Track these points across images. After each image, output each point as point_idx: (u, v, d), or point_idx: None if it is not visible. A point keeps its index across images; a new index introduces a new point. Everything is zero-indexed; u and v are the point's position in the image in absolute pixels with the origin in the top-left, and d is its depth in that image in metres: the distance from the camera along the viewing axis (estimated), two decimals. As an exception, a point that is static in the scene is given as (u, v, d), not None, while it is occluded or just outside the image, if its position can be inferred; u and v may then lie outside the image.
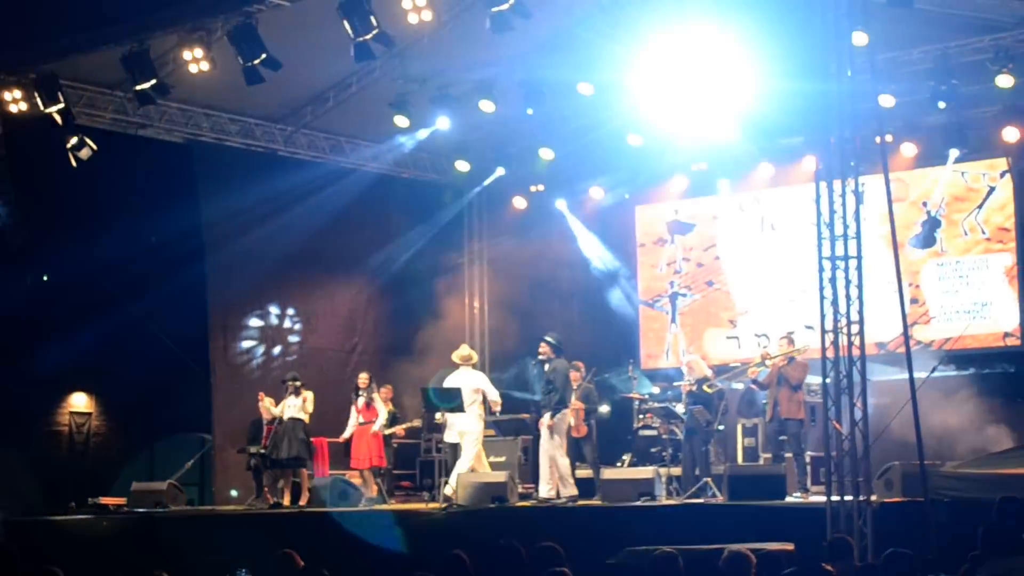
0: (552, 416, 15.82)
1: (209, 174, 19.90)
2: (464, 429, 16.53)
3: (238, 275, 20.05)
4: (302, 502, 17.38)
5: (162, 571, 7.49)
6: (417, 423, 18.90)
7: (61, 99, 16.89)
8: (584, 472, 16.99)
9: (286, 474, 17.69)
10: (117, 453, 19.88)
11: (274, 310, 20.90)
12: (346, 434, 18.00)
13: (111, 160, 17.74)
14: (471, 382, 16.75)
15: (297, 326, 21.22)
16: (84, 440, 20.25)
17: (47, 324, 18.88)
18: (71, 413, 20.32)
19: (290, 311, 21.14)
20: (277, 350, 20.77)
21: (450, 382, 16.75)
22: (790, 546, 10.45)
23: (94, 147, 17.18)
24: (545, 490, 15.99)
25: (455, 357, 17.04)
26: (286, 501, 17.48)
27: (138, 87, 16.74)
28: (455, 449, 16.95)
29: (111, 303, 19.05)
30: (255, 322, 20.65)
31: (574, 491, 15.89)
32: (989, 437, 16.76)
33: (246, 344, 20.48)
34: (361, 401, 17.90)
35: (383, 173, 21.89)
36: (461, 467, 16.28)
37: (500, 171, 22.13)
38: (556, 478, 15.97)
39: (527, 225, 22.76)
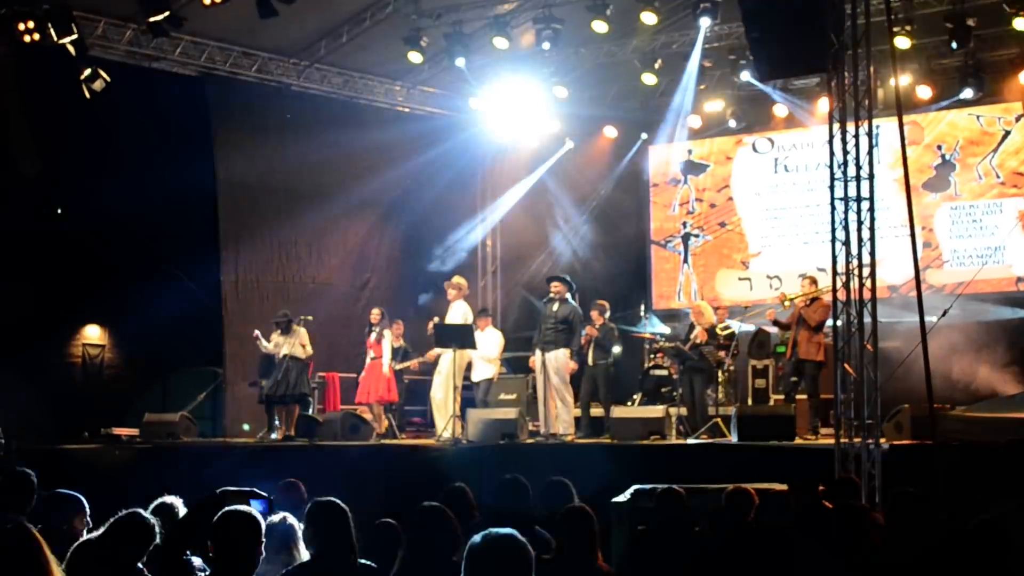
0: (572, 356, 15.86)
1: (222, 108, 19.86)
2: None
3: (250, 210, 20.06)
4: (277, 436, 17.45)
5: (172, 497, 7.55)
6: (430, 358, 18.87)
7: (74, 30, 16.82)
8: (597, 411, 17.06)
9: (285, 408, 17.76)
10: (130, 385, 19.95)
11: (286, 246, 20.85)
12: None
13: (125, 92, 17.69)
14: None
15: (309, 262, 21.16)
16: (97, 371, 20.33)
17: (61, 256, 18.92)
18: (84, 344, 20.40)
19: (301, 247, 21.10)
20: (288, 286, 20.72)
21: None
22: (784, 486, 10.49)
23: (107, 79, 17.10)
24: (550, 426, 15.93)
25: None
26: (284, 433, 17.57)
27: (151, 19, 16.72)
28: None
29: (125, 236, 19.09)
30: (267, 258, 20.62)
31: (572, 429, 15.93)
32: (999, 381, 16.79)
33: (257, 280, 20.47)
34: (372, 337, 17.95)
35: (396, 109, 21.83)
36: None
37: (515, 108, 21.91)
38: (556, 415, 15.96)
39: (540, 162, 22.74)
